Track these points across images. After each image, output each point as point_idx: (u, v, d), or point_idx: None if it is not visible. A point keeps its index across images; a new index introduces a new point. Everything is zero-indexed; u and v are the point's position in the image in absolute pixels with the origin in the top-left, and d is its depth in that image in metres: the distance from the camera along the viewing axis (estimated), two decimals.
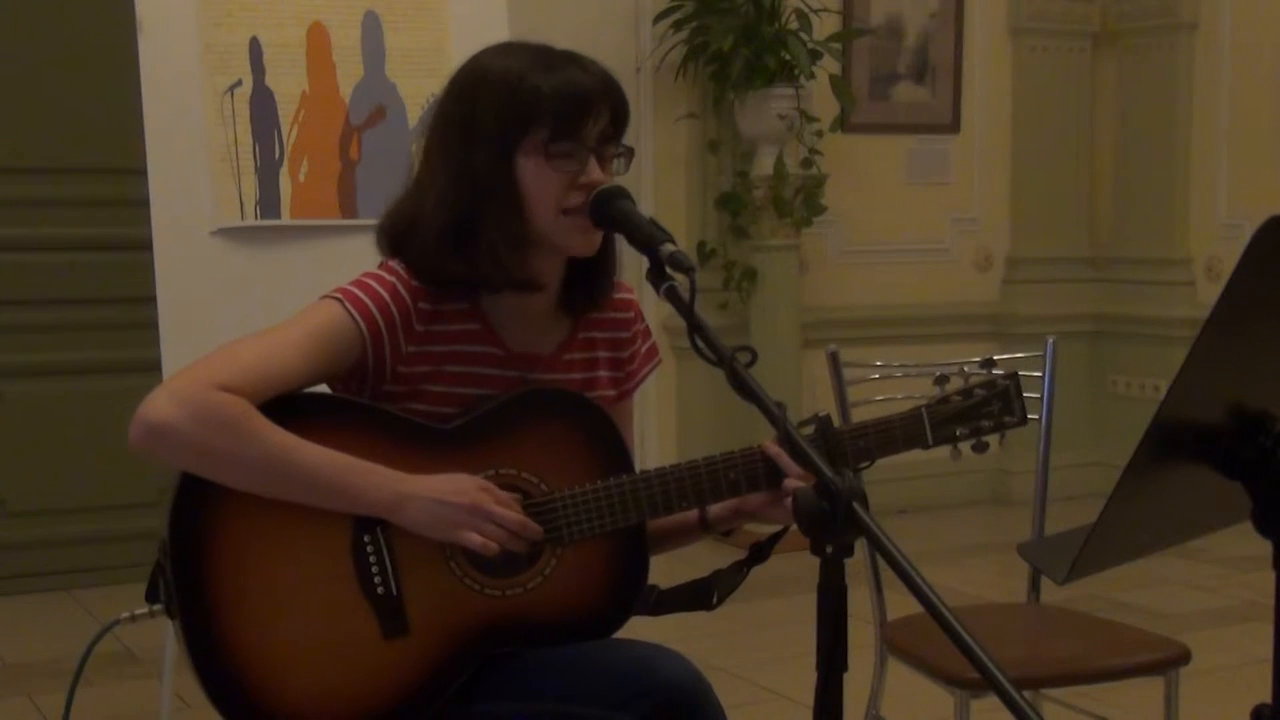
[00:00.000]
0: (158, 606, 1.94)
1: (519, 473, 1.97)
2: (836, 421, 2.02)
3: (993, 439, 2.07)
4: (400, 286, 1.98)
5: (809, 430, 1.93)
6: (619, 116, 2.00)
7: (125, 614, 2.13)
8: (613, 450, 2.01)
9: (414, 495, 1.90)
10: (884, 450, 2.03)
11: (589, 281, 2.08)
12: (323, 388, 2.00)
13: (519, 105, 1.95)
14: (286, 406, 1.90)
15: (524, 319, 2.06)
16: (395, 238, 2.03)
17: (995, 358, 2.13)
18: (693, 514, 2.11)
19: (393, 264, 2.01)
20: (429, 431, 1.96)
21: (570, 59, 2.00)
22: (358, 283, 1.99)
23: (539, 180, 1.96)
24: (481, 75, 2.00)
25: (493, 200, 1.96)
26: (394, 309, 1.96)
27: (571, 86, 1.96)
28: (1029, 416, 2.12)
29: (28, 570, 4.96)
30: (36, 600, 4.88)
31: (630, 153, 2.03)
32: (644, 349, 2.19)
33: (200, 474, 1.88)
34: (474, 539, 1.90)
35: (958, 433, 2.05)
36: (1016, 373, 2.09)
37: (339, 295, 1.97)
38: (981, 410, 2.05)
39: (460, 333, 2.02)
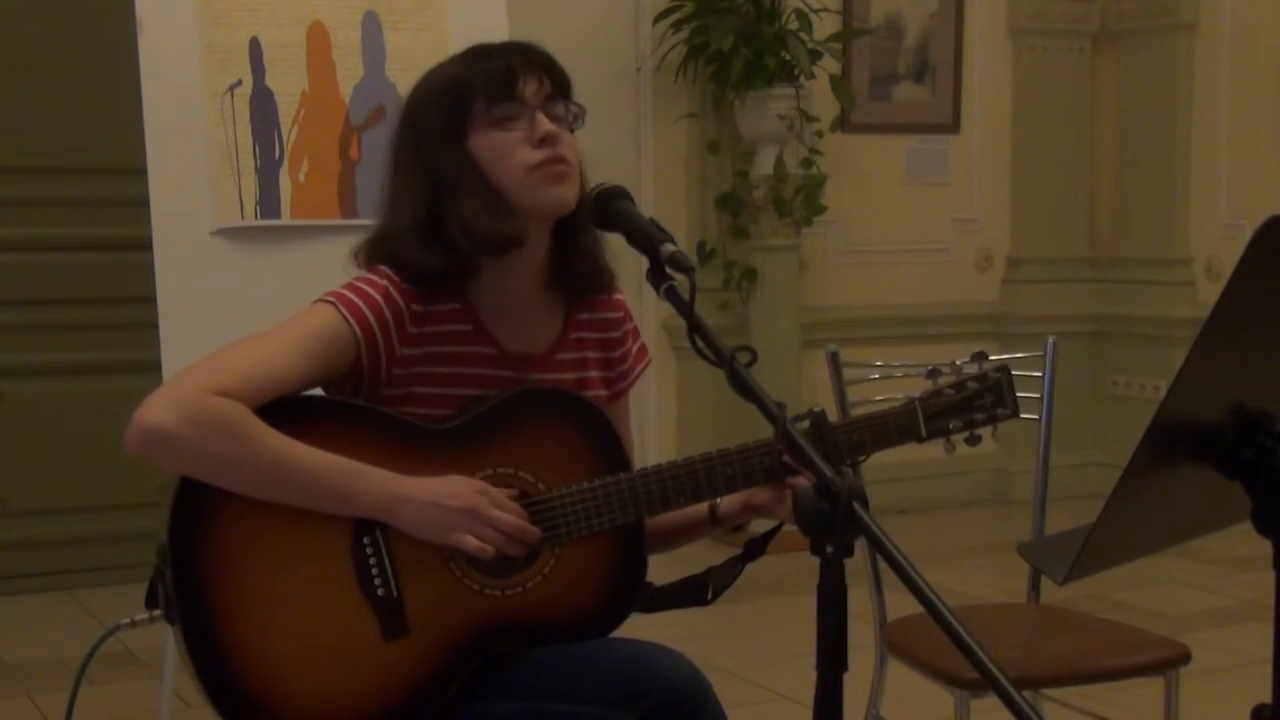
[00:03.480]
0: (157, 612, 1.94)
1: (516, 472, 1.97)
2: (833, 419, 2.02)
3: (986, 435, 2.08)
4: (392, 289, 1.99)
5: (803, 425, 1.93)
6: (557, 78, 2.04)
7: (125, 620, 2.13)
8: (609, 448, 2.02)
9: (410, 498, 1.90)
10: (878, 444, 2.03)
11: (572, 265, 2.09)
12: (319, 391, 2.00)
13: (452, 96, 2.02)
14: (283, 410, 1.91)
15: (515, 318, 2.07)
16: (370, 252, 2.05)
17: (988, 354, 2.13)
18: (703, 510, 2.12)
19: (383, 268, 2.02)
20: (426, 432, 1.97)
21: (499, 46, 2.06)
22: (350, 286, 2.00)
23: (495, 149, 2.00)
24: (421, 90, 2.07)
25: (456, 186, 1.99)
26: (387, 311, 1.97)
27: (493, 63, 2.02)
28: (1029, 416, 2.13)
29: (28, 570, 4.96)
30: (36, 600, 4.88)
31: (582, 110, 2.06)
32: (635, 349, 2.21)
33: (197, 478, 1.88)
34: (470, 542, 1.90)
35: (951, 425, 2.06)
36: (1007, 366, 2.10)
37: (332, 299, 1.98)
38: (974, 403, 2.06)
39: (453, 333, 2.02)
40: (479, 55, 2.05)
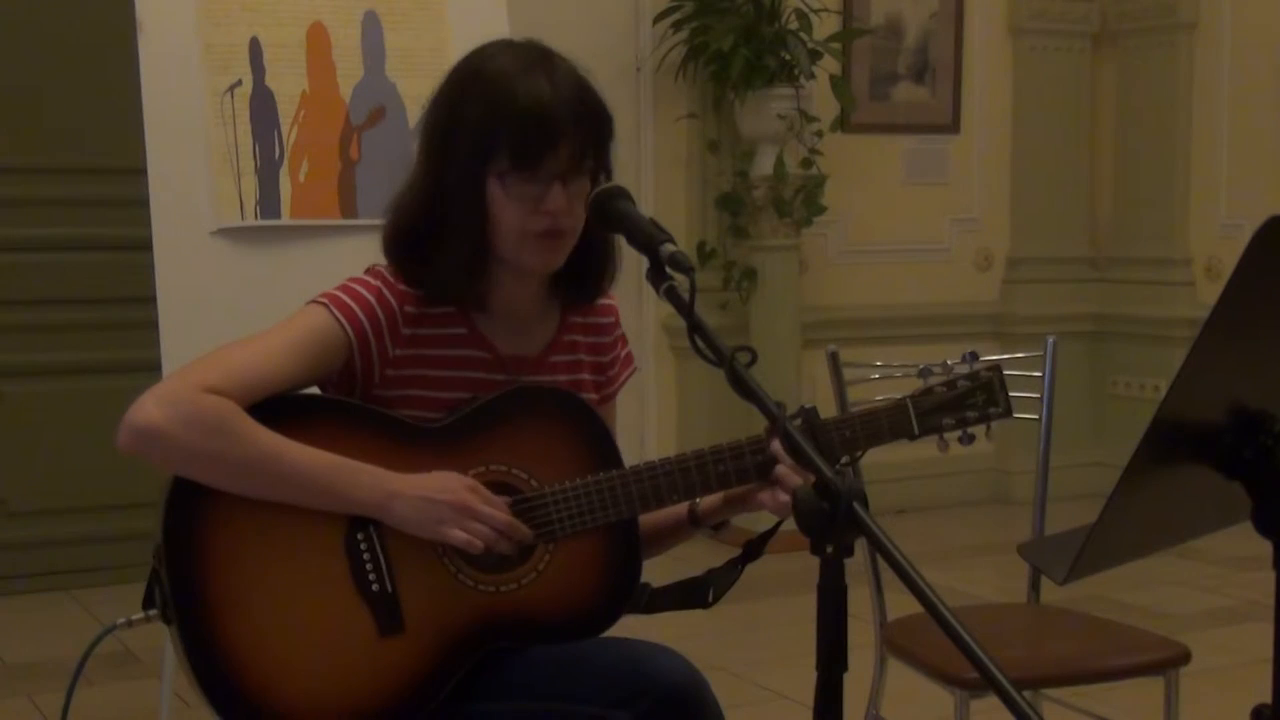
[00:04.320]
0: (153, 611, 1.94)
1: (509, 469, 1.98)
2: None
3: (980, 434, 2.08)
4: (386, 291, 1.99)
5: (795, 422, 1.93)
6: (591, 140, 1.98)
7: (121, 620, 2.13)
8: (602, 446, 2.02)
9: (401, 494, 1.90)
10: (870, 440, 2.03)
11: (582, 274, 2.08)
12: (314, 390, 2.00)
13: (489, 125, 1.95)
14: (275, 408, 1.91)
15: (510, 321, 2.07)
16: (383, 243, 2.05)
17: (981, 354, 2.13)
18: (682, 510, 2.11)
19: (379, 268, 2.03)
20: (419, 430, 1.97)
21: (550, 70, 1.97)
22: (343, 287, 2.00)
23: (501, 201, 1.97)
24: (469, 81, 2.00)
25: (456, 221, 1.98)
26: (379, 313, 1.97)
27: (535, 112, 1.93)
28: (1029, 416, 2.13)
29: (28, 570, 4.96)
30: (36, 600, 4.88)
31: (608, 172, 2.01)
32: (623, 354, 2.21)
33: (190, 477, 1.88)
34: (459, 536, 1.90)
35: (943, 423, 2.05)
36: (999, 365, 2.10)
37: (325, 300, 1.98)
38: (966, 401, 2.06)
39: (447, 336, 2.03)
40: (519, 81, 1.95)
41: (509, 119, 1.94)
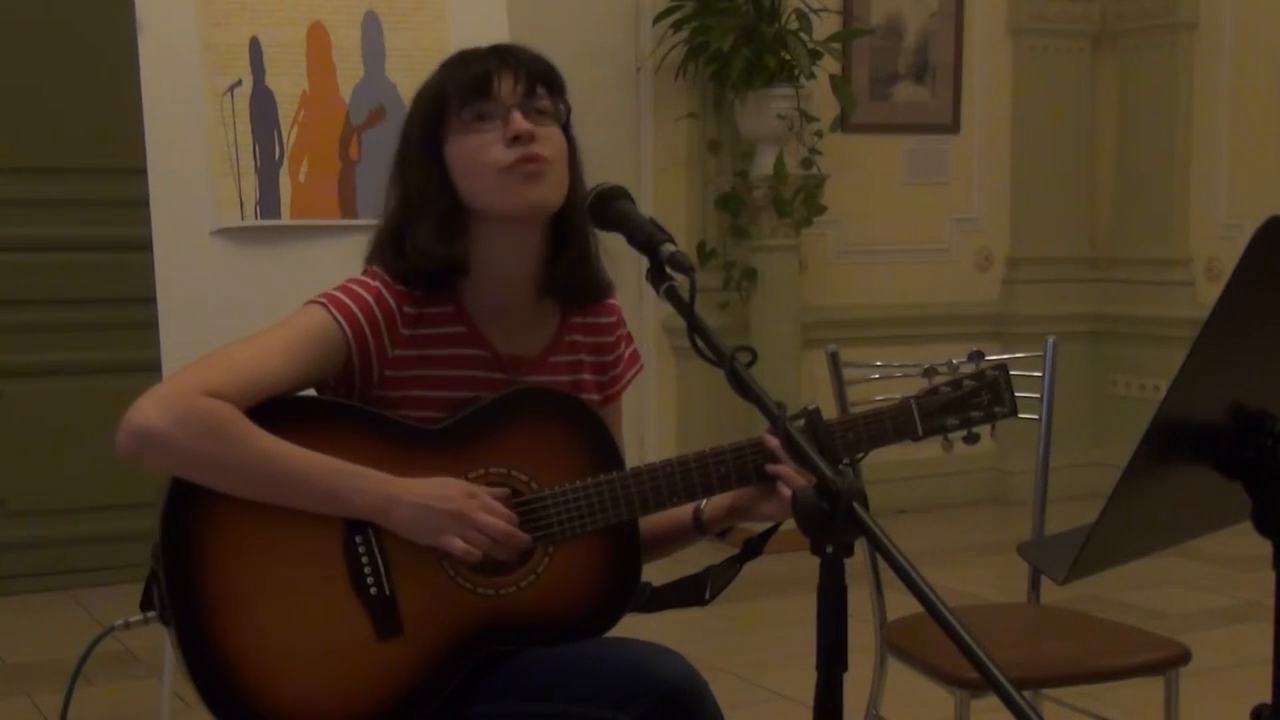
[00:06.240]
0: (152, 613, 1.94)
1: (509, 471, 1.97)
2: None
3: (985, 434, 2.08)
4: (384, 290, 1.99)
5: (799, 424, 1.93)
6: (539, 75, 2.03)
7: (120, 621, 2.13)
8: (603, 448, 2.02)
9: (400, 499, 1.90)
10: (874, 442, 2.03)
11: (567, 269, 2.08)
12: (311, 392, 2.00)
13: (430, 102, 2.03)
14: (274, 410, 1.91)
15: (509, 321, 2.07)
16: (368, 253, 2.09)
17: (985, 354, 2.13)
18: (687, 516, 2.12)
19: (376, 269, 2.03)
20: (418, 432, 1.97)
21: (478, 50, 2.05)
22: (342, 288, 2.01)
23: (467, 152, 2.00)
24: (412, 101, 2.08)
25: (421, 205, 2.01)
26: (378, 312, 1.98)
27: (469, 67, 2.02)
28: (1029, 416, 2.13)
29: (28, 570, 4.96)
30: (36, 600, 4.88)
31: (567, 108, 2.05)
32: (627, 353, 2.21)
33: (188, 479, 1.88)
34: (456, 545, 1.90)
35: (948, 423, 2.05)
36: (1005, 364, 2.09)
37: (323, 300, 1.98)
38: (971, 401, 2.06)
39: (446, 336, 2.03)
40: (458, 61, 2.05)
41: (449, 79, 2.02)
